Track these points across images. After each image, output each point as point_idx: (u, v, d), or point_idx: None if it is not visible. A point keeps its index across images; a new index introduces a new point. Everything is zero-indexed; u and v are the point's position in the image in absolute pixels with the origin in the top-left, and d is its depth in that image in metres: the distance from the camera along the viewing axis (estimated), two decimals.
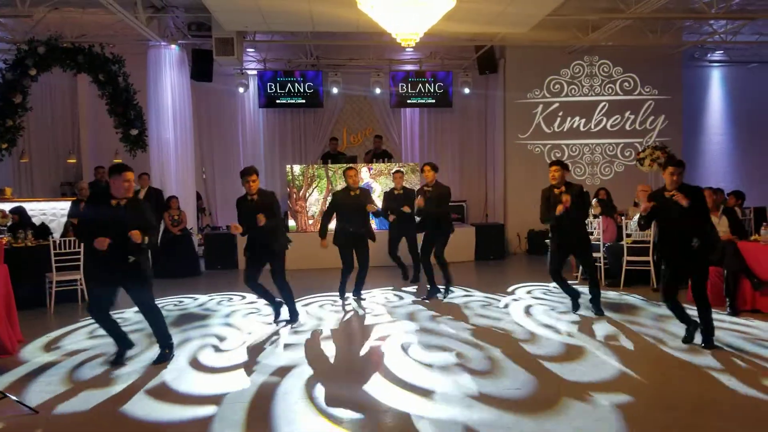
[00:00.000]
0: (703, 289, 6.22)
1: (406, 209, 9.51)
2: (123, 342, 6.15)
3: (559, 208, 7.25)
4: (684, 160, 11.14)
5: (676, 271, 6.23)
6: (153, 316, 6.11)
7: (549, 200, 7.56)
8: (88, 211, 5.96)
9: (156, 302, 6.19)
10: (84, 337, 7.11)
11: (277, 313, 7.78)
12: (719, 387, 5.04)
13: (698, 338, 6.24)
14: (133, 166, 11.68)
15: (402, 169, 10.83)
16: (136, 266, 5.84)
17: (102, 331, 6.31)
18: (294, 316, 7.72)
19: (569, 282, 7.96)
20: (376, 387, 5.18)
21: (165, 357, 6.08)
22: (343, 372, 5.70)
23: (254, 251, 7.56)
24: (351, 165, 11.03)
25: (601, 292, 8.05)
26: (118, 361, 6.02)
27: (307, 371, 5.64)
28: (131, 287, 5.95)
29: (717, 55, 16.09)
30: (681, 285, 6.39)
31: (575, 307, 7.86)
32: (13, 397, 4.82)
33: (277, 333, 7.11)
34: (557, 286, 8.00)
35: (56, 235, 9.64)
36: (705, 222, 6.26)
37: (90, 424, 4.61)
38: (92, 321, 7.61)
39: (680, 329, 6.51)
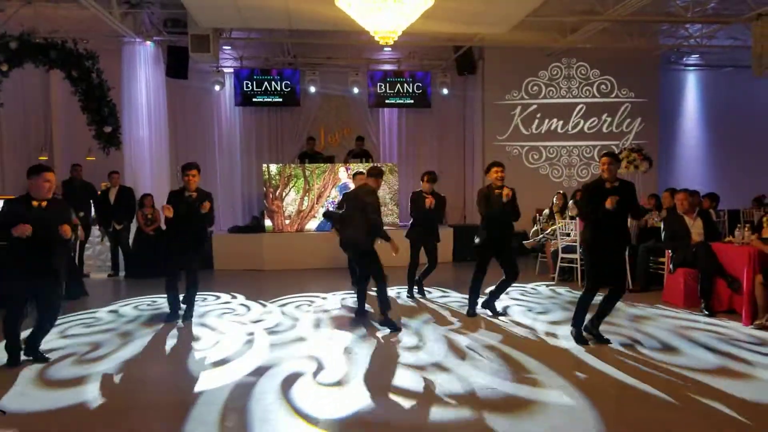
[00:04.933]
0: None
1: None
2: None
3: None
4: (651, 159, 11.43)
5: (606, 262, 6.36)
6: (55, 315, 5.94)
7: (488, 199, 7.63)
8: (9, 212, 5.65)
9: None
10: (55, 337, 6.93)
11: (176, 314, 7.60)
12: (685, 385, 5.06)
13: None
14: (106, 165, 11.69)
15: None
16: (53, 266, 5.72)
17: (71, 330, 6.11)
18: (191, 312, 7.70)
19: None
20: (355, 387, 5.13)
21: (41, 357, 5.91)
22: (322, 374, 5.62)
23: (182, 249, 7.47)
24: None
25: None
26: None
27: (283, 371, 5.56)
28: (46, 285, 5.76)
29: (693, 59, 16.23)
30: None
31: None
32: None
33: (251, 333, 6.99)
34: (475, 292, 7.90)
35: None
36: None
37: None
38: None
39: (655, 330, 6.55)
